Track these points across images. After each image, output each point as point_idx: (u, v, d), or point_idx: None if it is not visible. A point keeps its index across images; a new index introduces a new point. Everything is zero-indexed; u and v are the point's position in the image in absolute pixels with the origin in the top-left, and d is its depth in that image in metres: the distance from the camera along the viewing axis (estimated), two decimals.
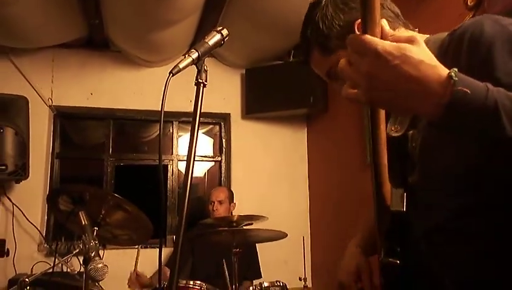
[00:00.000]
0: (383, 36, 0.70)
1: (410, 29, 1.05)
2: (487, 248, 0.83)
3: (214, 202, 3.41)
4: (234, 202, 3.55)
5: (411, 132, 0.92)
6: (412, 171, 0.89)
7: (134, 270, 3.10)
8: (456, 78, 0.66)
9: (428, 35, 1.00)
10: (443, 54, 0.86)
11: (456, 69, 0.67)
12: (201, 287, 2.57)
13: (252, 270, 3.36)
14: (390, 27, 0.91)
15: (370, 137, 0.82)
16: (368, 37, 0.68)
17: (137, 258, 3.12)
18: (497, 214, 0.82)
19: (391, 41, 0.68)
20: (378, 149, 0.81)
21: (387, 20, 0.91)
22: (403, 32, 0.71)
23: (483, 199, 0.82)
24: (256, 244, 3.46)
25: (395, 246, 0.88)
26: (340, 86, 0.91)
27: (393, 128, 0.94)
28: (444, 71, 0.67)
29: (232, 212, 3.44)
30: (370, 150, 0.84)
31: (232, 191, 3.61)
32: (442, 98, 0.66)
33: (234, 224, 2.69)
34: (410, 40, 0.68)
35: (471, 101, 0.66)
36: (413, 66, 0.66)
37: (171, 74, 1.04)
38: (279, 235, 2.68)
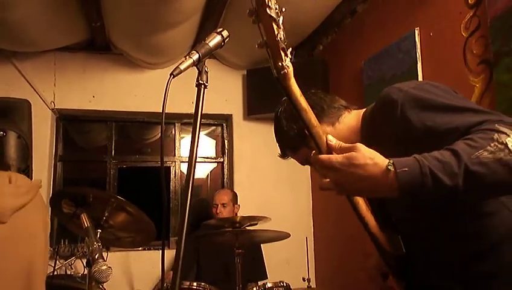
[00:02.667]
0: (331, 148, 0.94)
1: (354, 109, 1.31)
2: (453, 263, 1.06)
3: (218, 205, 3.42)
4: (238, 203, 3.55)
5: None
6: (390, 213, 1.09)
7: None
8: (392, 165, 0.87)
9: (362, 116, 1.26)
10: (373, 126, 1.15)
11: (391, 161, 0.87)
12: (205, 289, 2.56)
13: (258, 271, 3.35)
14: (337, 118, 1.26)
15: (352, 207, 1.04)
16: (323, 157, 0.92)
17: None
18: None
19: (339, 152, 0.91)
20: (364, 220, 1.02)
21: (335, 115, 1.27)
22: (345, 145, 0.94)
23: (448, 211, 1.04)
24: (264, 249, 3.45)
25: (404, 282, 1.09)
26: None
27: None
28: (383, 164, 0.87)
29: (236, 214, 3.43)
30: (358, 216, 1.06)
31: (235, 193, 3.61)
32: (392, 184, 0.86)
33: (237, 225, 2.69)
34: (353, 149, 0.90)
35: (412, 174, 0.85)
36: (362, 169, 0.88)
37: (172, 76, 1.03)
38: (282, 236, 2.68)
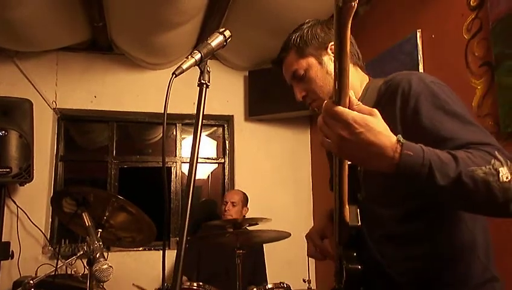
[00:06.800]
0: (350, 104, 0.87)
1: (365, 73, 1.32)
2: (429, 248, 1.08)
3: (228, 203, 3.39)
4: (247, 207, 3.50)
5: None
6: (359, 189, 1.07)
7: None
8: (403, 142, 0.88)
9: (368, 82, 1.29)
10: (380, 98, 1.16)
11: (400, 136, 0.88)
12: (203, 288, 2.56)
13: (258, 275, 3.33)
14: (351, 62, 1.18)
15: (336, 172, 0.97)
16: (340, 108, 0.85)
17: None
18: (433, 217, 1.08)
19: (356, 110, 0.86)
20: (342, 181, 0.97)
21: (351, 54, 1.25)
22: (363, 107, 0.89)
23: (420, 206, 1.07)
24: (265, 250, 3.44)
25: (353, 254, 1.07)
26: (300, 87, 1.32)
27: None
28: (393, 137, 0.88)
29: (244, 216, 3.41)
30: (335, 182, 0.99)
31: (246, 195, 3.53)
32: (393, 159, 0.87)
33: (238, 226, 2.69)
34: (371, 113, 0.87)
35: (414, 161, 0.88)
36: (373, 135, 0.86)
37: (174, 75, 1.04)
38: (283, 235, 2.68)
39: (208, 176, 4.82)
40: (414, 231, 1.10)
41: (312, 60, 1.28)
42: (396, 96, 1.10)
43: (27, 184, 3.33)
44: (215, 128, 4.41)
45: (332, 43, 1.18)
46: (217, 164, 4.41)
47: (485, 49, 2.17)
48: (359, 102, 0.88)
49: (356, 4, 0.72)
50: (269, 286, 2.65)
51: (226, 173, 4.23)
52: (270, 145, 4.17)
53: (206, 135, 4.45)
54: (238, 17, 3.27)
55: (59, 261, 2.97)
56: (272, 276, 3.35)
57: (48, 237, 3.63)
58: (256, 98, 4.03)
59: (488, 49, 2.14)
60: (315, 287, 3.13)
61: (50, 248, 3.58)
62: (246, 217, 3.38)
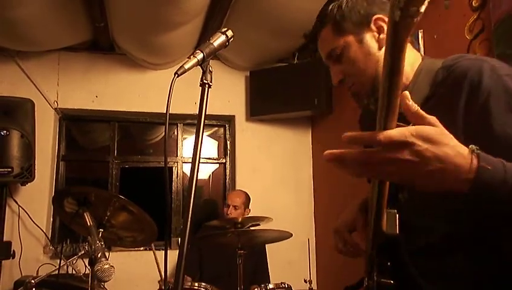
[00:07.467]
0: (406, 110, 0.71)
1: (415, 48, 1.12)
2: (477, 268, 0.92)
3: (230, 206, 3.36)
4: (249, 208, 3.47)
5: None
6: (402, 189, 0.93)
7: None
8: (478, 152, 0.72)
9: (420, 62, 1.07)
10: (437, 85, 0.98)
11: (474, 146, 0.72)
12: (205, 289, 2.56)
13: (261, 276, 3.32)
14: None
15: (378, 190, 0.82)
16: (389, 133, 0.68)
17: (157, 261, 2.87)
18: (494, 236, 0.91)
19: (412, 117, 0.70)
20: (383, 197, 0.83)
21: None
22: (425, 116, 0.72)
23: (470, 227, 0.92)
24: (267, 251, 3.43)
25: (386, 263, 0.92)
26: (336, 69, 1.14)
27: None
28: (465, 149, 0.72)
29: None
30: (374, 182, 0.84)
31: (249, 196, 3.49)
32: (469, 173, 0.71)
33: (239, 225, 2.69)
34: (432, 124, 0.71)
35: (493, 176, 0.72)
36: (441, 148, 0.69)
37: (177, 75, 1.04)
38: (284, 236, 2.68)
39: (209, 176, 4.82)
40: (463, 248, 0.95)
41: (351, 38, 1.08)
42: (462, 88, 0.91)
43: (28, 184, 3.33)
44: (217, 128, 4.41)
45: (377, 16, 1.05)
46: (218, 164, 4.41)
47: (487, 50, 2.16)
48: (417, 107, 0.70)
49: (419, 20, 0.58)
50: (270, 286, 2.65)
51: (227, 173, 4.23)
52: (272, 145, 4.17)
53: (208, 135, 4.45)
54: (240, 17, 3.27)
55: (63, 260, 2.98)
56: (273, 276, 3.35)
57: (49, 236, 3.63)
58: (258, 98, 4.03)
59: (490, 50, 2.14)
60: (316, 288, 3.13)
61: (51, 247, 3.58)
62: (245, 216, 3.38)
